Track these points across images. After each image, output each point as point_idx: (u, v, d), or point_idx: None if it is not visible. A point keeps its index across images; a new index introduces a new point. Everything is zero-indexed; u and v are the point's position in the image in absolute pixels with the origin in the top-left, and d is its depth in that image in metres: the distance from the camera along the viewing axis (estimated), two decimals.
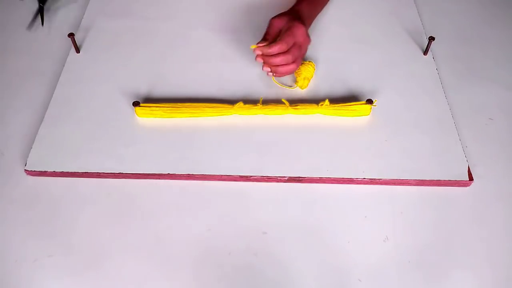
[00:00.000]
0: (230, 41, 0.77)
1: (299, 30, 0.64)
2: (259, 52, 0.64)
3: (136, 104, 0.65)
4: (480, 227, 0.57)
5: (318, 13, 0.77)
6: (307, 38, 0.66)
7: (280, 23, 0.66)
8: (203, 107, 0.65)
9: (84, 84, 0.71)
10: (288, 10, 0.70)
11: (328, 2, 0.82)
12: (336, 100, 0.67)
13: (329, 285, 0.53)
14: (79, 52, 0.75)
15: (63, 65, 0.73)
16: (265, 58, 0.64)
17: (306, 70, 0.68)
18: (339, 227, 0.57)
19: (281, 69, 0.65)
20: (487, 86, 0.72)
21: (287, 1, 0.76)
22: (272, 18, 0.67)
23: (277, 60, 0.63)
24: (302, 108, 0.65)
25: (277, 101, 0.66)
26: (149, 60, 0.74)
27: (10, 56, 0.77)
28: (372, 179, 0.60)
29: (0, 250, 0.55)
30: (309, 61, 0.69)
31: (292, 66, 0.65)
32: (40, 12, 0.80)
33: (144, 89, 0.70)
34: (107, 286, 0.53)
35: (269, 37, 0.65)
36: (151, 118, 0.66)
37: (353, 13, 0.82)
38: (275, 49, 0.63)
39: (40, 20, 0.80)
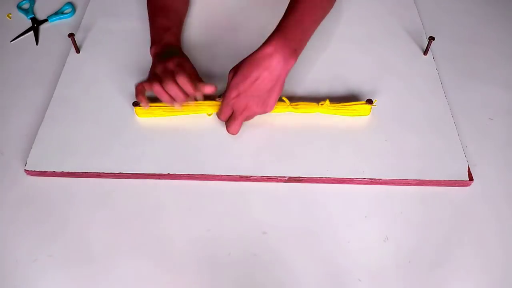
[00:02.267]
0: (229, 41, 0.77)
1: (231, 99, 0.59)
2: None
3: (136, 104, 0.65)
4: (480, 227, 0.57)
5: (307, 40, 0.63)
6: (253, 108, 0.60)
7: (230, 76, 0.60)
8: (203, 105, 0.65)
9: (84, 84, 0.71)
10: (256, 52, 0.58)
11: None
12: (336, 100, 0.67)
13: (329, 285, 0.53)
14: (79, 52, 0.75)
15: (63, 65, 0.73)
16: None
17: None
18: (339, 227, 0.57)
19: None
20: (487, 86, 0.72)
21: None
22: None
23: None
24: (302, 107, 0.65)
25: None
26: (149, 60, 0.74)
27: (10, 56, 0.77)
28: (372, 179, 0.60)
29: (0, 250, 0.55)
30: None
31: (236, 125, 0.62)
32: (35, 32, 0.80)
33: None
34: (107, 285, 0.53)
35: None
36: (151, 118, 0.66)
37: (353, 13, 0.82)
38: (222, 118, 0.63)
39: (35, 39, 0.79)
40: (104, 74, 0.72)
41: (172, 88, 0.60)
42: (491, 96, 0.71)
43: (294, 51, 0.59)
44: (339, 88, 0.70)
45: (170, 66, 0.62)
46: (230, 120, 0.62)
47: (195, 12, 0.82)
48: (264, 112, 0.62)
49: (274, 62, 0.57)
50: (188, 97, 0.62)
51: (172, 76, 0.60)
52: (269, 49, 0.57)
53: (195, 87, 0.61)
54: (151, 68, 0.67)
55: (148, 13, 0.76)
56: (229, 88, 0.60)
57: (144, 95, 0.64)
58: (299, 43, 0.60)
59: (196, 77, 0.66)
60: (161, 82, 0.60)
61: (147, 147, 0.63)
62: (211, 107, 0.65)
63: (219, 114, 0.63)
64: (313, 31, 0.65)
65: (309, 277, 0.53)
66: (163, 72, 0.62)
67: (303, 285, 0.53)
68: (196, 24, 0.80)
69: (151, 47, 0.69)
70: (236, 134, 0.63)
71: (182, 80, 0.60)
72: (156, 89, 0.60)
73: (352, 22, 0.81)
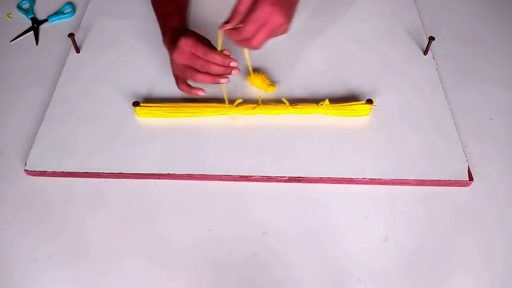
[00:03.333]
0: (229, 40, 0.77)
1: (264, 10, 0.55)
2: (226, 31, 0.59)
3: (136, 104, 0.65)
4: (480, 227, 0.57)
5: None
6: (277, 16, 0.56)
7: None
8: (203, 107, 0.65)
9: (84, 84, 0.71)
10: None
11: (328, 3, 0.79)
12: (336, 100, 0.67)
13: (329, 285, 0.53)
14: (79, 52, 0.75)
15: (63, 65, 0.73)
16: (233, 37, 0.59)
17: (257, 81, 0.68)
18: (339, 227, 0.57)
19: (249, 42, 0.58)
20: (487, 86, 0.72)
21: None
22: None
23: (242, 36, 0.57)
24: (302, 108, 0.65)
25: (277, 101, 0.66)
26: (149, 60, 0.74)
27: (10, 56, 0.77)
28: (372, 179, 0.60)
29: (0, 250, 0.55)
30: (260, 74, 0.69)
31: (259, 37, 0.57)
32: (35, 32, 0.80)
33: (144, 89, 0.70)
34: (107, 285, 0.53)
35: (236, 16, 0.57)
36: (151, 118, 0.66)
37: (353, 13, 0.83)
38: (241, 35, 0.57)
39: (35, 39, 0.79)
40: (104, 74, 0.72)
41: (211, 67, 0.61)
42: (491, 96, 0.71)
43: None
44: (339, 88, 0.70)
45: (195, 52, 0.61)
46: (255, 34, 0.57)
47: (195, 9, 0.82)
48: (285, 25, 0.57)
49: None
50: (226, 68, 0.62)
51: (202, 61, 0.61)
52: None
53: (226, 58, 0.61)
54: (172, 61, 0.64)
55: (152, 4, 0.76)
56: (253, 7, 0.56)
57: (190, 86, 0.64)
58: None
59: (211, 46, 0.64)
60: (196, 70, 0.61)
61: (147, 147, 0.63)
62: (212, 109, 0.65)
63: (240, 33, 0.57)
64: None
65: (309, 277, 0.53)
66: (192, 62, 0.61)
67: (303, 285, 0.53)
68: (194, 21, 0.80)
69: (163, 40, 0.69)
70: (260, 47, 0.58)
71: (214, 57, 0.60)
72: (198, 78, 0.61)
73: (352, 22, 0.81)
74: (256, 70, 0.71)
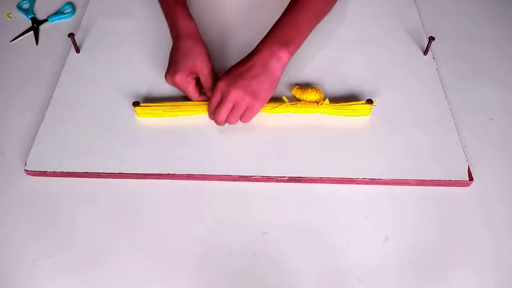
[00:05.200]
0: (228, 41, 0.77)
1: (220, 87, 0.60)
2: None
3: (136, 104, 0.65)
4: (480, 227, 0.57)
5: (303, 37, 0.66)
6: (235, 91, 0.59)
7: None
8: (203, 105, 0.65)
9: (84, 84, 0.71)
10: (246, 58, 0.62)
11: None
12: (336, 99, 0.67)
13: (329, 285, 0.53)
14: (79, 52, 0.75)
15: (63, 65, 0.73)
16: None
17: (311, 95, 0.66)
18: (339, 227, 0.57)
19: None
20: (487, 86, 0.72)
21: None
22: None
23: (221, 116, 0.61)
24: (302, 107, 0.65)
25: (276, 100, 0.66)
26: (149, 60, 0.74)
27: (10, 56, 0.77)
28: (372, 179, 0.60)
29: (0, 250, 0.55)
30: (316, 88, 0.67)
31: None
32: (35, 32, 0.80)
33: (144, 89, 0.70)
34: (107, 286, 0.53)
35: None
36: (151, 118, 0.66)
37: (353, 13, 0.83)
38: (217, 113, 0.61)
39: (34, 39, 0.79)
40: (104, 74, 0.72)
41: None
42: (491, 96, 0.71)
43: (284, 44, 0.62)
44: (339, 88, 0.70)
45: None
46: (218, 107, 0.60)
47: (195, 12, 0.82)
48: (254, 104, 0.60)
49: (263, 55, 0.61)
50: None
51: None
52: (257, 47, 0.62)
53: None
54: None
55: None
56: (220, 77, 0.62)
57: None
58: (290, 37, 0.63)
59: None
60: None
61: (147, 147, 0.63)
62: None
63: (208, 106, 0.63)
64: (310, 26, 0.67)
65: (309, 277, 0.53)
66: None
67: (303, 285, 0.53)
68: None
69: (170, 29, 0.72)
70: (223, 123, 0.62)
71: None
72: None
73: (352, 22, 0.81)
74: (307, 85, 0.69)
